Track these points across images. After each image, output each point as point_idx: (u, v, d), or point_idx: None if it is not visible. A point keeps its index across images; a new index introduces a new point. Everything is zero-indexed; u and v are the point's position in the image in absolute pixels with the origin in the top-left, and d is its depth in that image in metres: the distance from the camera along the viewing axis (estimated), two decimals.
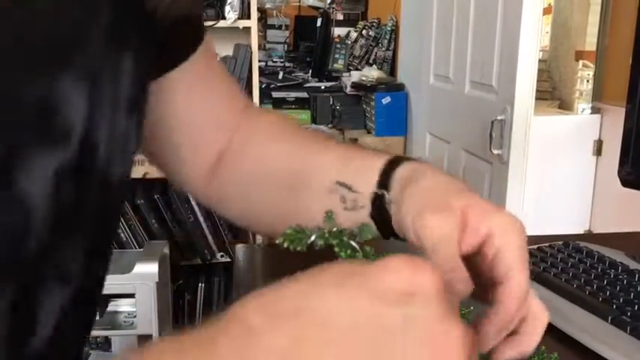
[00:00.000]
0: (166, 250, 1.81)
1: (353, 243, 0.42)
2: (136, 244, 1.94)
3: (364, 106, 3.09)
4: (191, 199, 1.97)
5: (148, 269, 1.66)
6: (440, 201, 0.39)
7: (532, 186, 2.25)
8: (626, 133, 0.84)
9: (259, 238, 1.99)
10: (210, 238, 2.02)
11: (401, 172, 0.46)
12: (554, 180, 2.51)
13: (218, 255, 2.04)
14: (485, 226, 0.37)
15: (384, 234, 0.48)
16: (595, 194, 2.55)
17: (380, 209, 0.47)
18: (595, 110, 2.52)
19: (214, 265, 2.08)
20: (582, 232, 2.42)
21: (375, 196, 0.47)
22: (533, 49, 1.75)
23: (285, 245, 0.41)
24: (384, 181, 0.47)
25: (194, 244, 2.01)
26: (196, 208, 1.99)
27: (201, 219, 1.99)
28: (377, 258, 0.35)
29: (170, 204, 1.98)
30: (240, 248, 0.92)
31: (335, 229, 0.42)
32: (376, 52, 3.25)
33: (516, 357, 0.37)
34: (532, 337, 0.37)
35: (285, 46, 3.75)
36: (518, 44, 1.71)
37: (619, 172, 0.86)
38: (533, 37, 1.74)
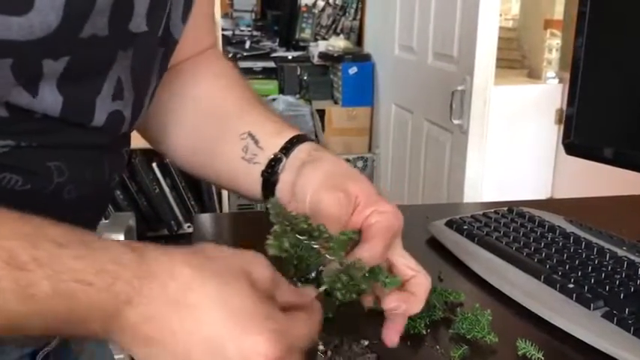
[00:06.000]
0: (132, 222, 1.81)
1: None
2: None
3: (331, 76, 3.09)
4: (156, 170, 1.97)
5: None
6: (338, 182, 0.47)
7: (494, 154, 2.31)
8: (569, 104, 0.88)
9: (226, 208, 2.00)
10: (176, 208, 2.03)
11: (305, 147, 0.53)
12: (517, 148, 2.57)
13: (185, 225, 2.05)
14: (369, 210, 0.47)
15: (265, 194, 0.53)
16: (556, 162, 2.62)
17: (272, 171, 0.53)
18: (561, 79, 2.56)
19: (182, 235, 2.09)
20: (543, 199, 2.49)
21: (274, 158, 0.53)
22: (494, 20, 1.78)
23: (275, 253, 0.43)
24: (288, 149, 0.53)
25: (160, 215, 2.02)
26: (161, 179, 1.99)
27: (166, 189, 2.00)
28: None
29: (135, 174, 1.97)
30: (200, 218, 0.94)
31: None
32: (343, 22, 3.25)
33: (401, 310, 0.46)
34: (417, 297, 0.47)
35: (253, 14, 3.71)
36: (477, 14, 1.73)
37: (562, 140, 0.90)
38: (493, 7, 1.76)
